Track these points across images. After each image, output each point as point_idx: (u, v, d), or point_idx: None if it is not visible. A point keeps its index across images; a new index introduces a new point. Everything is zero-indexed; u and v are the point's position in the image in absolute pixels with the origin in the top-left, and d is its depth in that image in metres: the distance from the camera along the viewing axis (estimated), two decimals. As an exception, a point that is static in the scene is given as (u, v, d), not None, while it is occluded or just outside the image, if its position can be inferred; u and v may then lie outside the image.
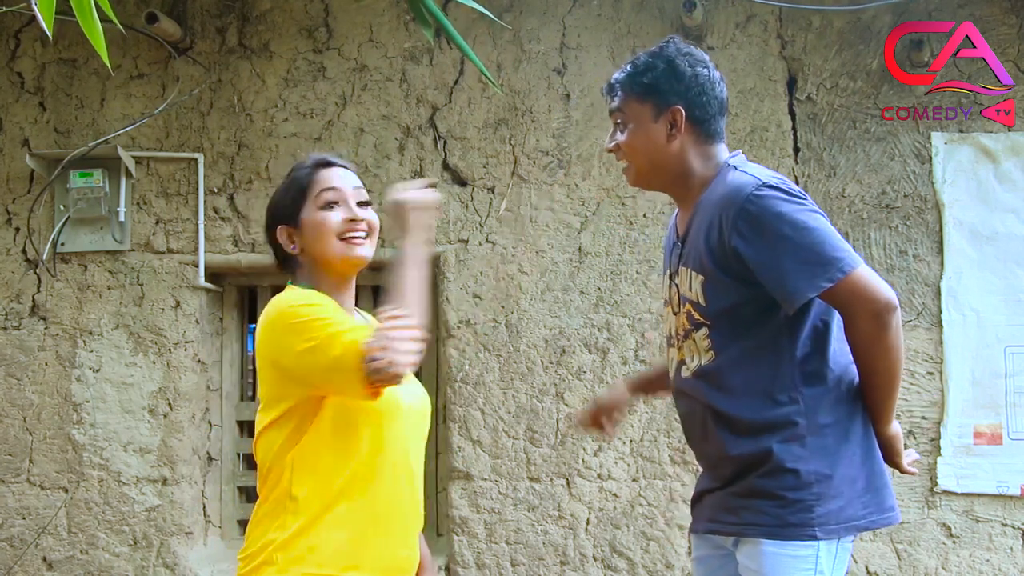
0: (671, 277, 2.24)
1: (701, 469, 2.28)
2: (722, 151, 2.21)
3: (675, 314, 2.22)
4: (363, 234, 2.07)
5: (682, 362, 2.20)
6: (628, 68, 2.21)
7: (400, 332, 1.82)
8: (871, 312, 1.98)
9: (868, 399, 2.09)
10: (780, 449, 2.02)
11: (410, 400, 2.06)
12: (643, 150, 2.18)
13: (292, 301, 1.96)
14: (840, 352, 2.10)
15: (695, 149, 2.17)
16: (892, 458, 2.18)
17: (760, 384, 2.04)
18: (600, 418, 2.52)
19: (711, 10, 3.99)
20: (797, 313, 2.02)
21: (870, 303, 1.97)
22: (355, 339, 1.83)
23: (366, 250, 2.07)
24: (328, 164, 2.11)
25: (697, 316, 2.11)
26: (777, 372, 2.04)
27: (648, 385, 2.60)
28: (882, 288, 1.98)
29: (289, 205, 2.08)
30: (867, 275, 1.98)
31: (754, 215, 2.00)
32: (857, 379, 2.12)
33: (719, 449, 2.11)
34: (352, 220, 2.05)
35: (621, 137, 2.21)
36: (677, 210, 2.31)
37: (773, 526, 2.02)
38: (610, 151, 2.25)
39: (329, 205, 2.05)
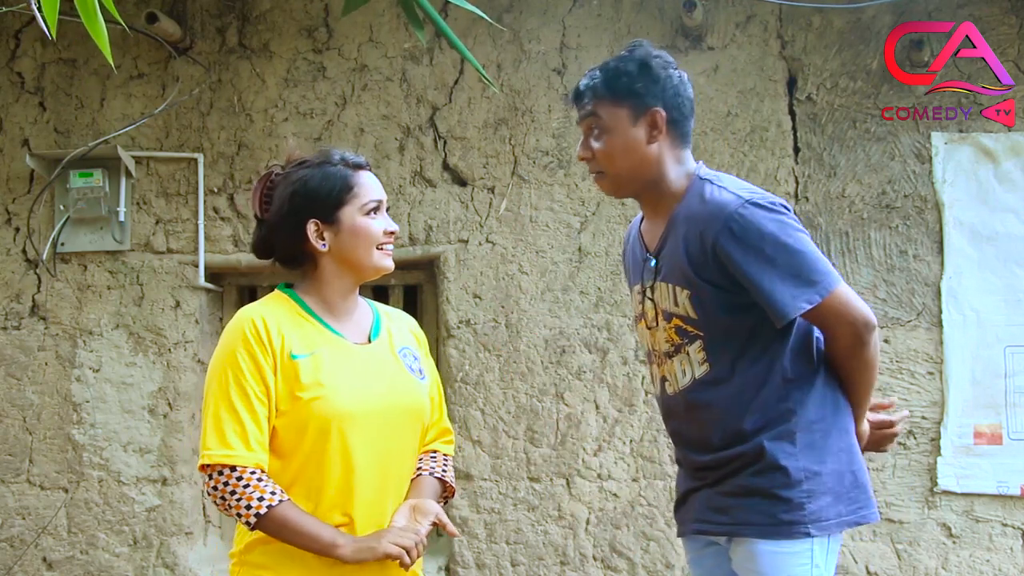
0: (644, 292, 2.22)
1: (680, 470, 2.29)
2: (690, 157, 2.19)
3: (650, 328, 2.22)
4: (392, 246, 2.13)
5: (664, 379, 2.21)
6: (598, 73, 2.15)
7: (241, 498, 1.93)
8: (850, 330, 2.05)
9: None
10: (771, 446, 2.05)
11: (371, 403, 2.03)
12: (622, 155, 2.13)
13: (226, 350, 1.99)
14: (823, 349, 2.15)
15: (671, 153, 2.15)
16: (880, 445, 2.30)
17: (754, 388, 2.07)
18: None
19: (711, 10, 3.99)
20: None
21: (849, 322, 2.05)
22: (211, 451, 1.93)
23: (392, 261, 2.13)
24: (366, 167, 2.15)
25: (690, 329, 2.11)
26: (770, 374, 2.08)
27: None
28: (861, 307, 2.06)
29: (329, 201, 2.06)
30: (847, 295, 2.05)
31: (738, 235, 2.01)
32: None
33: (712, 450, 2.12)
34: (391, 233, 2.11)
35: (597, 144, 2.15)
36: (640, 220, 2.29)
37: (766, 525, 2.04)
38: (583, 159, 2.19)
39: (373, 213, 2.08)
